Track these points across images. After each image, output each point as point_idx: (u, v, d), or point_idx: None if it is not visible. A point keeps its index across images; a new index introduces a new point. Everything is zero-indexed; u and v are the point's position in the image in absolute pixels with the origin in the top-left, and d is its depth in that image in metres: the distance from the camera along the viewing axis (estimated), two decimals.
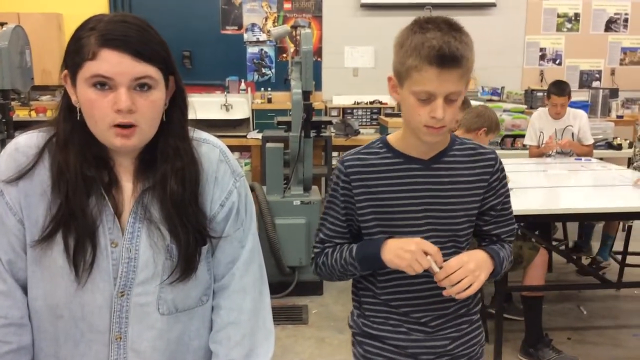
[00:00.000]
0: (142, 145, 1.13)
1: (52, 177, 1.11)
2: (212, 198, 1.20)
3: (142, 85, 1.07)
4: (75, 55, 1.06)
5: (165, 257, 1.15)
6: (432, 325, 1.43)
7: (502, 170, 1.43)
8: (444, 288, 1.31)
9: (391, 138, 1.41)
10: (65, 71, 1.11)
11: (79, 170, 1.10)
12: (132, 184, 1.16)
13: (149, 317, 1.16)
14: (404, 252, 1.29)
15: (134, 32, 1.06)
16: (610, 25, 7.79)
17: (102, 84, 1.05)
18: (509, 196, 1.45)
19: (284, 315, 3.30)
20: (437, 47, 1.20)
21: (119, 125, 1.06)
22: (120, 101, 1.05)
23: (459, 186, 1.37)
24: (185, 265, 1.15)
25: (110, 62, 1.04)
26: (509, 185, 3.21)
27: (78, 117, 1.10)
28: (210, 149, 1.22)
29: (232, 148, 6.19)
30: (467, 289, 1.29)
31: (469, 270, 1.29)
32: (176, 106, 1.18)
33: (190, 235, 1.15)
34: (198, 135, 1.22)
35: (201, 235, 1.17)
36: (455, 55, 1.20)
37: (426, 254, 1.28)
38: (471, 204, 1.39)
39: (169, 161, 1.14)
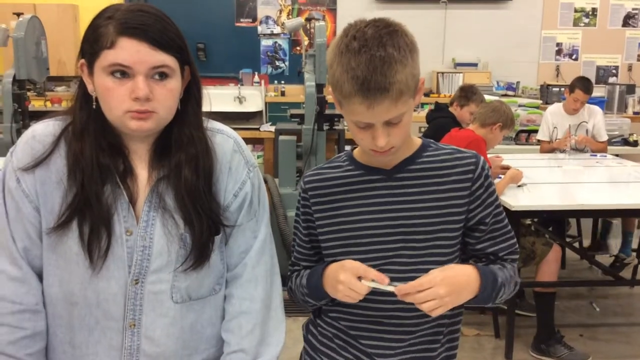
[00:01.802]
0: (157, 130, 1.13)
1: (68, 165, 1.12)
2: (225, 188, 1.20)
3: (159, 74, 1.08)
4: (93, 43, 1.07)
5: (179, 245, 1.15)
6: None
7: (488, 176, 1.23)
8: (403, 316, 1.20)
9: (356, 150, 1.27)
10: (82, 60, 1.11)
11: (95, 159, 1.11)
12: (147, 172, 1.17)
13: (163, 305, 1.17)
14: (336, 283, 1.16)
15: (152, 21, 1.07)
16: (628, 20, 7.68)
17: (121, 72, 1.06)
18: (500, 206, 1.26)
19: (296, 307, 3.41)
20: (361, 78, 1.06)
21: (135, 111, 1.07)
22: (139, 89, 1.05)
23: (433, 196, 1.20)
24: (198, 254, 1.16)
25: (129, 50, 1.05)
26: (523, 181, 3.20)
27: (94, 106, 1.11)
28: (225, 139, 1.23)
29: (245, 140, 6.05)
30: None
31: (438, 294, 1.09)
32: (191, 96, 1.18)
33: (204, 224, 1.16)
34: (212, 125, 1.23)
35: (215, 224, 1.18)
36: (381, 86, 1.06)
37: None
38: (451, 216, 1.20)
39: (183, 149, 1.15)
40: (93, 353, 1.17)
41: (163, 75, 1.09)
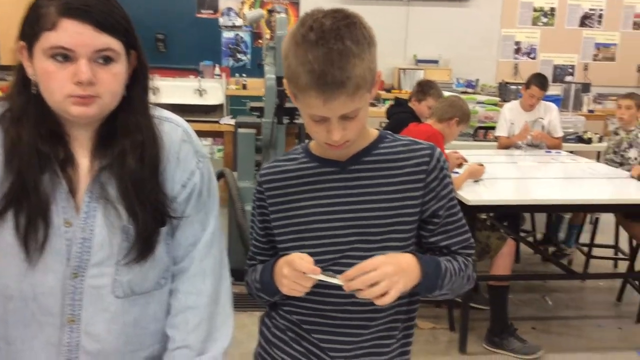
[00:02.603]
0: (101, 117, 1.09)
1: (5, 152, 1.07)
2: (173, 178, 1.17)
3: (103, 58, 1.04)
4: (34, 25, 1.02)
5: (122, 237, 1.11)
6: (332, 355, 1.22)
7: (443, 168, 1.20)
8: (355, 311, 1.18)
9: (313, 142, 1.24)
10: (22, 42, 1.06)
11: (33, 146, 1.06)
12: (89, 161, 1.12)
13: (104, 299, 1.13)
14: (281, 277, 1.15)
15: (96, 2, 1.02)
16: (585, 20, 7.86)
17: (62, 55, 1.01)
18: (454, 200, 1.24)
19: (251, 302, 3.37)
20: (318, 72, 1.03)
21: (77, 96, 1.03)
22: (81, 73, 1.01)
23: (387, 188, 1.18)
24: (142, 247, 1.12)
25: (71, 32, 1.00)
26: (484, 176, 3.21)
27: (34, 91, 1.06)
28: (173, 128, 1.19)
29: (205, 134, 6.13)
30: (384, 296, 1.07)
31: (386, 273, 1.07)
32: (138, 81, 1.14)
33: (148, 216, 1.12)
34: (160, 113, 1.19)
35: (160, 216, 1.14)
36: (337, 80, 1.03)
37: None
38: (406, 208, 1.18)
39: (128, 137, 1.11)
40: (29, 349, 1.12)
41: (107, 59, 1.05)
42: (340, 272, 1.10)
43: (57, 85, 1.02)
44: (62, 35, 1.00)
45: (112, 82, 1.06)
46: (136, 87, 1.13)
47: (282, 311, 1.28)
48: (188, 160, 1.18)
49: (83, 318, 1.13)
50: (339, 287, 1.10)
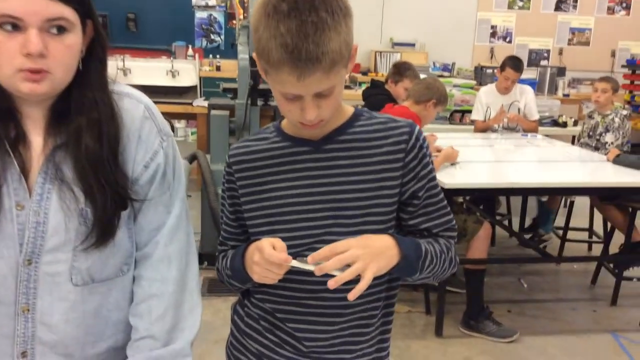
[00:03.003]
0: (53, 94, 1.01)
1: None
2: (134, 158, 1.09)
3: (56, 28, 0.96)
4: None
5: (79, 221, 1.03)
6: (307, 344, 1.16)
7: (423, 147, 1.14)
8: (331, 298, 1.11)
9: (285, 121, 1.17)
10: None
11: None
12: (43, 139, 1.04)
13: (61, 287, 1.05)
14: (251, 264, 1.08)
15: None
16: (560, 5, 7.87)
17: (11, 24, 0.93)
18: (435, 180, 1.17)
19: (226, 287, 3.31)
20: (291, 47, 0.95)
21: (27, 70, 0.94)
22: (31, 44, 0.93)
23: (364, 169, 1.11)
24: (101, 231, 1.04)
25: (20, 0, 0.91)
26: (459, 159, 3.17)
27: None
28: (134, 104, 1.10)
29: (178, 116, 6.01)
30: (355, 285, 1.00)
31: (358, 255, 1.00)
32: (94, 54, 1.06)
33: (107, 198, 1.04)
34: (120, 88, 1.10)
35: (121, 198, 1.06)
36: (312, 55, 0.95)
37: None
38: (385, 189, 1.11)
39: (84, 114, 1.03)
40: None
41: (60, 29, 0.96)
42: None
43: (5, 57, 0.94)
44: (9, 2, 0.91)
45: (65, 54, 0.98)
46: (93, 60, 1.05)
47: (255, 299, 1.22)
48: (150, 139, 1.10)
49: (38, 307, 1.05)
50: (313, 274, 1.03)
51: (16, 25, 0.93)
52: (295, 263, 1.03)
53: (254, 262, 1.07)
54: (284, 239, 1.07)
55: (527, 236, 4.40)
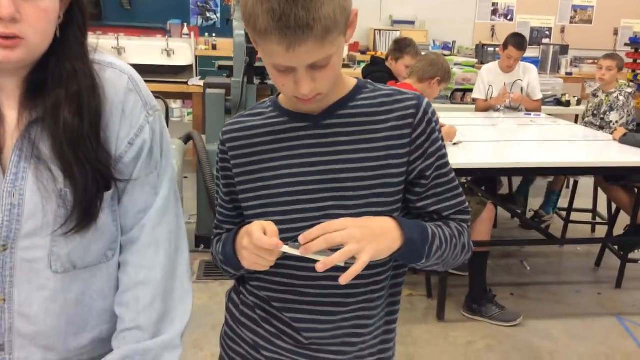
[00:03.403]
0: (29, 62, 0.92)
1: None
2: (118, 134, 1.00)
3: None
4: None
5: (58, 203, 0.94)
6: (306, 335, 1.08)
7: (432, 122, 1.04)
8: (331, 286, 1.02)
9: (282, 95, 1.08)
10: None
11: None
12: (17, 113, 0.94)
13: (40, 275, 0.97)
14: (241, 250, 1.00)
15: None
16: None
17: None
18: (445, 158, 1.07)
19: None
20: (279, 13, 0.86)
21: None
22: (1, 7, 0.84)
23: (367, 146, 1.02)
24: (82, 214, 0.95)
25: None
26: (459, 139, 3.09)
27: None
28: (117, 75, 1.01)
29: (174, 95, 5.90)
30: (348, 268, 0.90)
31: (353, 236, 0.90)
32: (73, 20, 0.96)
33: (88, 178, 0.95)
34: (102, 58, 1.01)
35: (103, 178, 0.97)
36: (303, 22, 0.86)
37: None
38: (389, 168, 1.02)
39: (62, 86, 0.93)
40: None
41: None
42: None
43: None
44: None
45: (40, 18, 0.88)
46: (71, 27, 0.95)
47: (250, 286, 1.14)
48: (135, 114, 1.01)
49: (16, 297, 0.97)
50: (311, 260, 0.92)
51: None
52: (286, 249, 0.93)
53: (243, 247, 0.98)
54: (279, 222, 0.98)
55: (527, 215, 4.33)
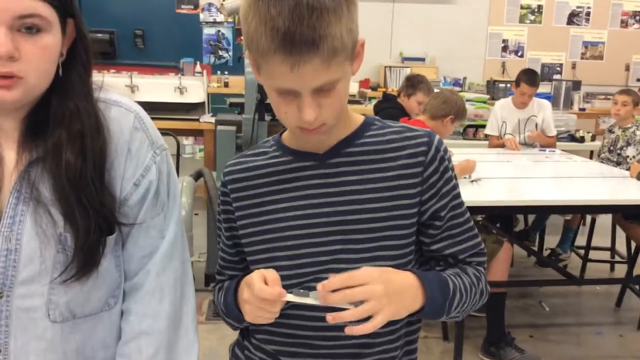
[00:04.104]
0: (27, 101, 0.88)
1: None
2: (123, 175, 0.95)
3: (28, 27, 0.83)
4: None
5: (57, 249, 0.90)
6: None
7: (444, 159, 0.99)
8: (344, 337, 0.92)
9: (285, 133, 1.05)
10: None
11: None
12: (17, 154, 0.91)
13: (37, 324, 0.91)
14: (243, 303, 0.95)
15: None
16: (573, 18, 7.74)
17: None
18: (459, 196, 1.02)
19: None
20: (283, 29, 0.82)
21: None
22: None
23: (376, 185, 0.97)
24: (83, 260, 0.90)
25: None
26: (475, 176, 3.02)
27: None
28: (123, 113, 0.97)
29: (185, 132, 5.91)
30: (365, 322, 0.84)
31: (374, 292, 0.84)
32: (76, 58, 0.93)
33: (91, 222, 0.90)
34: (107, 96, 0.97)
35: (107, 222, 0.92)
36: (309, 38, 0.82)
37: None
38: (400, 209, 0.97)
39: (64, 125, 0.90)
40: None
41: (34, 29, 0.84)
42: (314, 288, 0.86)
43: None
44: None
45: (40, 57, 0.85)
46: (75, 65, 0.92)
47: (256, 340, 1.07)
48: (141, 153, 0.96)
49: (12, 348, 0.91)
50: (319, 308, 0.86)
51: None
52: (291, 297, 0.87)
53: (244, 300, 0.92)
54: (285, 268, 0.94)
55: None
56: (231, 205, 1.04)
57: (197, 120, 5.33)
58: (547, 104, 4.48)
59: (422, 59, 7.33)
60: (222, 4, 6.45)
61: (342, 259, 0.96)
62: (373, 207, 0.97)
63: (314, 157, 1.00)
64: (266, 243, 1.00)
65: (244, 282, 0.95)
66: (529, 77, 4.25)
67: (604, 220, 4.13)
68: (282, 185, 1.00)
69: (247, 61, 3.61)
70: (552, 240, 4.40)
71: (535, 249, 4.20)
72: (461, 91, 6.70)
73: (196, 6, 7.11)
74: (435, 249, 1.01)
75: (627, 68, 7.87)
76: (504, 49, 7.78)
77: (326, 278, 0.86)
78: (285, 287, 0.89)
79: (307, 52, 0.82)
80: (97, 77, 0.96)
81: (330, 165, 0.99)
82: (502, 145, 4.41)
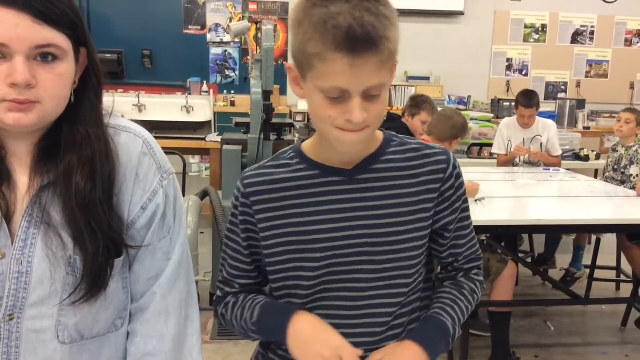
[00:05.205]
0: (42, 126, 0.91)
1: None
2: (131, 199, 0.98)
3: (45, 56, 0.87)
4: None
5: (67, 271, 0.92)
6: None
7: (459, 177, 1.08)
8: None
9: (306, 145, 1.07)
10: None
11: None
12: (29, 178, 0.94)
13: (46, 346, 0.94)
14: (314, 356, 0.99)
15: None
16: (577, 37, 7.79)
17: None
18: (467, 210, 1.11)
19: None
20: (346, 26, 0.85)
21: (13, 100, 0.85)
22: (17, 73, 0.84)
23: (399, 201, 1.03)
24: (91, 282, 0.93)
25: (6, 24, 0.83)
26: (479, 195, 3.05)
27: None
28: (132, 139, 1.00)
29: (192, 151, 5.95)
30: None
31: None
32: (88, 85, 0.96)
33: (100, 244, 0.93)
34: (116, 122, 1.00)
35: (115, 245, 0.95)
36: (371, 36, 0.86)
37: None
38: (418, 222, 1.04)
39: (75, 151, 0.93)
40: None
41: (50, 57, 0.87)
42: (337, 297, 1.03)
43: None
44: None
45: (55, 84, 0.88)
46: (86, 92, 0.96)
47: (282, 351, 1.09)
48: (149, 178, 0.99)
49: None
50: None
51: (1, 53, 0.84)
52: None
53: (318, 354, 0.98)
54: (307, 279, 1.02)
55: (559, 274, 4.21)
56: (253, 217, 1.06)
57: (204, 139, 5.38)
58: (551, 124, 4.50)
59: (427, 78, 7.38)
60: (228, 25, 6.52)
61: (363, 269, 1.03)
62: (396, 222, 1.03)
63: (342, 173, 1.03)
64: (292, 253, 1.04)
65: (328, 336, 1.00)
66: (525, 99, 4.26)
67: (610, 239, 4.13)
68: (309, 199, 1.04)
69: (253, 82, 3.66)
70: (560, 259, 4.39)
71: (565, 270, 4.22)
72: (466, 109, 6.73)
73: (203, 27, 7.19)
74: (440, 256, 1.13)
75: (632, 86, 7.89)
76: (509, 67, 7.83)
77: (347, 288, 1.03)
78: (306, 296, 1.03)
79: (367, 50, 0.86)
80: (106, 97, 1.00)
81: (358, 180, 1.03)
82: (512, 160, 4.42)
